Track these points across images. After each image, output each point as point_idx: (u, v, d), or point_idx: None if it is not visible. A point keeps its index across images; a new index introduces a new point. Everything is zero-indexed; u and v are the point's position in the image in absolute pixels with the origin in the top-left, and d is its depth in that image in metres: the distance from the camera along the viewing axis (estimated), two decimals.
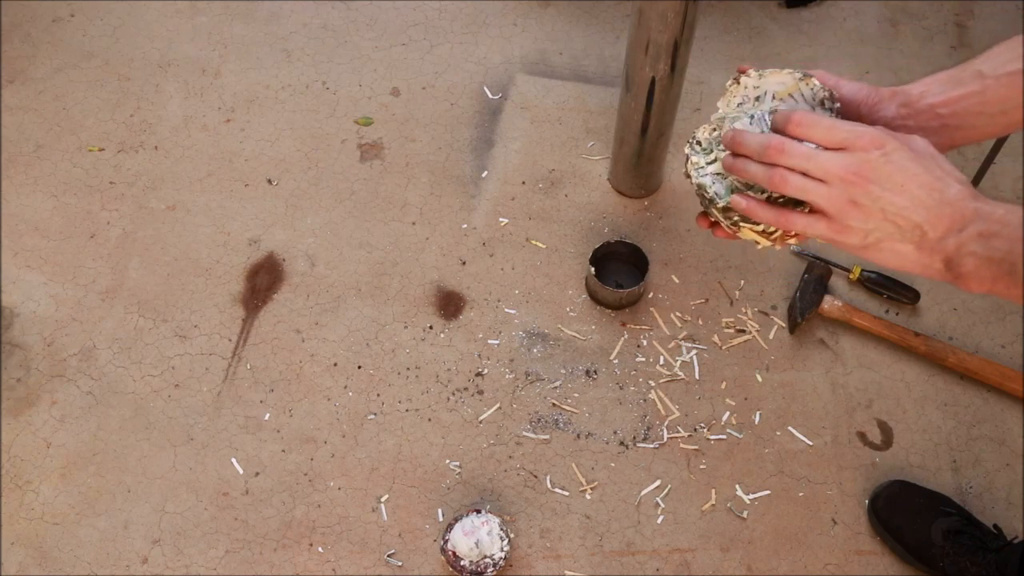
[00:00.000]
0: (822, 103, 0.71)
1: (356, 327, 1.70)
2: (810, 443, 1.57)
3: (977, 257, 0.59)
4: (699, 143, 0.75)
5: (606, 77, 2.06)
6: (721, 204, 0.72)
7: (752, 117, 0.72)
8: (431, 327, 1.70)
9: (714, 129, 0.74)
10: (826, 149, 0.63)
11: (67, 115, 1.98)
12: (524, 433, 1.58)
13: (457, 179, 1.89)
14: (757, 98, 0.73)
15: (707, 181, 0.73)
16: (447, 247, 1.79)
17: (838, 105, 0.71)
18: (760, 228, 0.71)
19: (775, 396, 1.62)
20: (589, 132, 1.96)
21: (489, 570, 1.40)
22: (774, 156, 0.64)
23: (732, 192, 0.71)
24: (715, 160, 0.73)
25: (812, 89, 0.71)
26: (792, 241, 0.72)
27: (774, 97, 0.72)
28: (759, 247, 0.74)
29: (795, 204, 0.67)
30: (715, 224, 0.74)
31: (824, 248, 1.76)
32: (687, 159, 0.75)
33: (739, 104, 0.74)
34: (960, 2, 2.21)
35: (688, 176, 0.75)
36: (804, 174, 0.63)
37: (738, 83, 0.74)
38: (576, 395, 1.62)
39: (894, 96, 0.71)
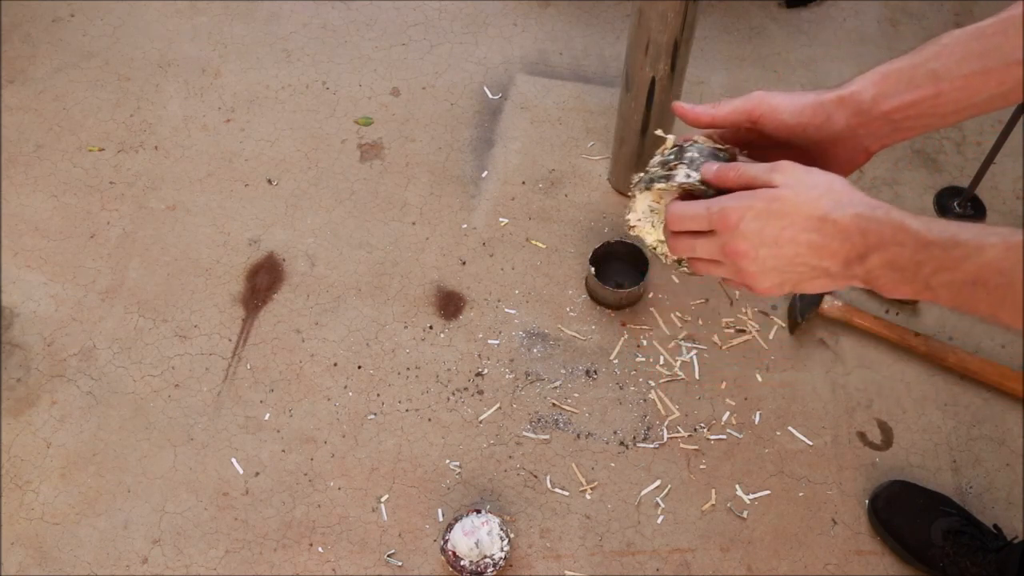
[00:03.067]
0: (715, 154, 0.69)
1: (356, 327, 1.70)
2: (810, 443, 1.57)
3: (888, 278, 0.59)
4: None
5: (606, 77, 2.06)
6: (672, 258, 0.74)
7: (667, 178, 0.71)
8: (431, 327, 1.70)
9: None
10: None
11: (67, 115, 1.98)
12: (524, 433, 1.58)
13: (457, 179, 1.89)
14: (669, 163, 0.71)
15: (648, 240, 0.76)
16: (447, 247, 1.79)
17: (730, 152, 0.69)
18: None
19: (775, 396, 1.62)
20: (589, 132, 1.96)
21: (489, 570, 1.40)
22: (671, 248, 0.69)
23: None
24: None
25: (700, 148, 0.69)
26: None
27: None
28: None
29: None
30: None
31: None
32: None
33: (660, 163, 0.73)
34: (960, 2, 2.21)
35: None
36: None
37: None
38: (576, 395, 1.62)
39: (841, 105, 0.67)
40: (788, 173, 0.62)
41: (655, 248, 0.76)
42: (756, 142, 0.72)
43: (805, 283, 0.64)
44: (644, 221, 0.75)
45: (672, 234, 0.68)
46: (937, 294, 0.57)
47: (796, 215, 0.60)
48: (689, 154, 0.69)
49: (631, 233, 0.76)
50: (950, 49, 0.65)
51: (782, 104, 0.68)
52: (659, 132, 0.76)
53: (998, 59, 0.63)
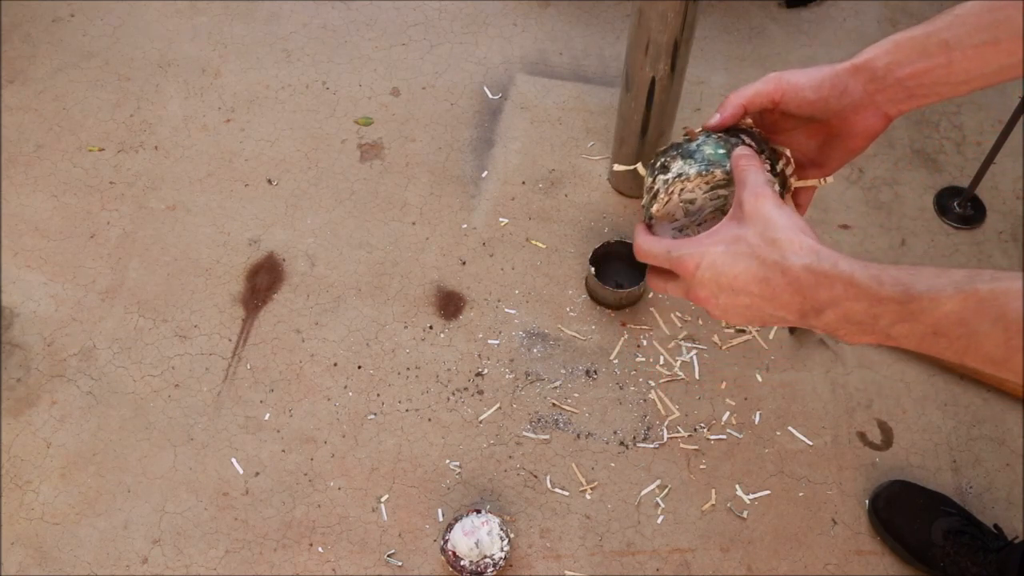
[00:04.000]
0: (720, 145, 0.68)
1: (356, 327, 1.70)
2: (810, 443, 1.57)
3: (847, 330, 0.59)
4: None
5: (606, 77, 2.06)
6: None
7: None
8: (431, 327, 1.70)
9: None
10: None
11: (67, 115, 1.98)
12: (524, 433, 1.58)
13: (457, 179, 1.89)
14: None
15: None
16: (447, 247, 1.79)
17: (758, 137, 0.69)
18: None
19: (775, 396, 1.62)
20: (589, 132, 1.96)
21: (489, 570, 1.40)
22: (648, 280, 0.70)
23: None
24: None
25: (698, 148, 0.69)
26: None
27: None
28: None
29: None
30: None
31: None
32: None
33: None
34: (960, 2, 2.21)
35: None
36: None
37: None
38: (576, 395, 1.62)
39: (856, 73, 0.68)
40: (757, 211, 0.61)
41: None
42: (778, 123, 0.72)
43: (769, 322, 0.64)
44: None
45: (649, 268, 0.68)
46: (900, 343, 0.57)
47: (750, 262, 0.60)
48: (678, 164, 0.68)
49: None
50: (962, 19, 0.65)
51: (801, 81, 0.68)
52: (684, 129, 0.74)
53: (1009, 31, 0.63)
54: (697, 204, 0.70)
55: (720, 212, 0.70)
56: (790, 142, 0.73)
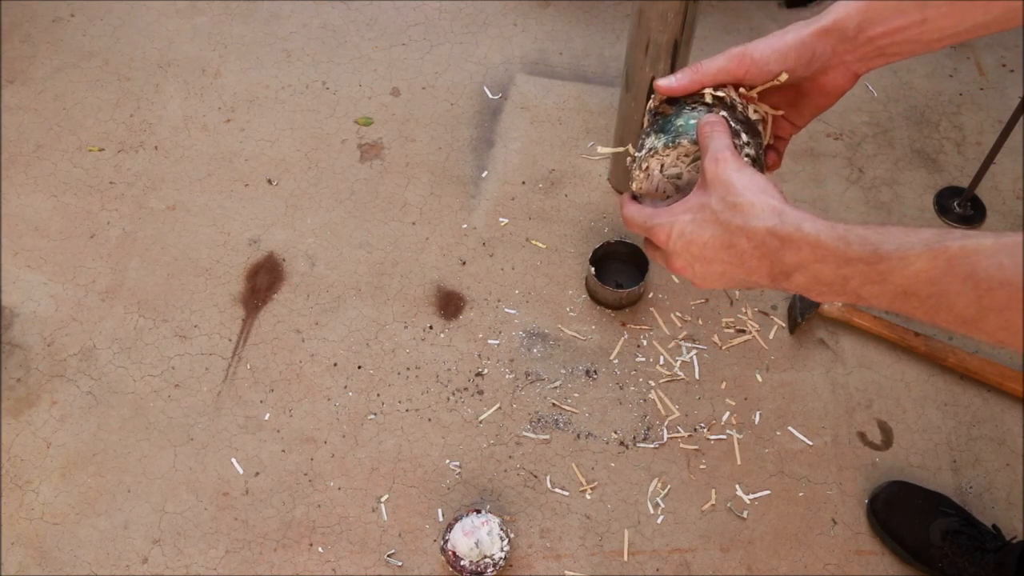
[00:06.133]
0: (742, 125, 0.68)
1: (356, 327, 1.70)
2: (810, 443, 1.57)
3: (818, 291, 0.58)
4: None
5: (606, 77, 2.06)
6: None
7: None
8: (431, 327, 1.70)
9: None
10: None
11: (67, 115, 1.98)
12: (524, 433, 1.58)
13: (457, 179, 1.89)
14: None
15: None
16: (447, 247, 1.79)
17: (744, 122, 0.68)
18: None
19: (775, 396, 1.62)
20: (589, 132, 1.96)
21: (489, 570, 1.41)
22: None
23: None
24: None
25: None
26: None
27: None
28: None
29: None
30: None
31: None
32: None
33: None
34: None
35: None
36: None
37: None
38: (576, 395, 1.62)
39: (825, 36, 0.66)
40: (717, 176, 0.61)
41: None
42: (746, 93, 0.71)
43: (745, 287, 0.64)
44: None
45: (645, 238, 0.69)
46: (872, 303, 0.56)
47: (715, 228, 0.60)
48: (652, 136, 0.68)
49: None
50: None
51: (765, 55, 0.67)
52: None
53: None
54: (684, 179, 0.70)
55: None
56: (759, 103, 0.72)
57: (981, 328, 0.51)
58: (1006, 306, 0.49)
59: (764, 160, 0.69)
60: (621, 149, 0.71)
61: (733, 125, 0.66)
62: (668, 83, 0.68)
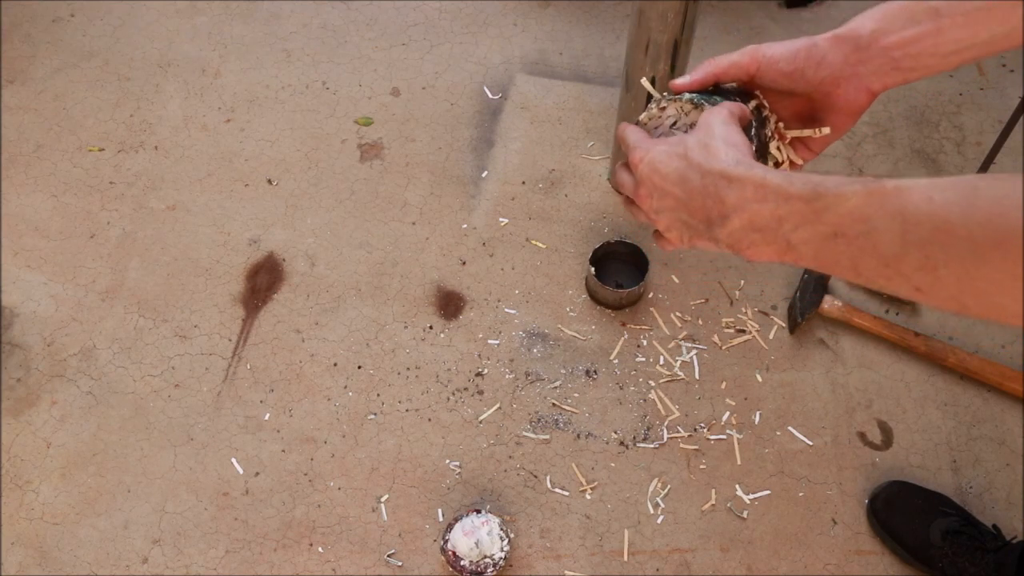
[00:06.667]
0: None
1: (356, 327, 1.70)
2: (810, 443, 1.57)
3: (749, 240, 0.58)
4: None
5: (606, 77, 2.06)
6: None
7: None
8: (431, 327, 1.70)
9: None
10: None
11: (67, 115, 1.98)
12: (524, 433, 1.58)
13: (457, 179, 1.89)
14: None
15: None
16: (447, 247, 1.79)
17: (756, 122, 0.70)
18: None
19: (775, 396, 1.62)
20: (589, 132, 1.96)
21: (489, 570, 1.41)
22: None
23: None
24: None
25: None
26: None
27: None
28: None
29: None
30: None
31: None
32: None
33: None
34: None
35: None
36: None
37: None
38: (576, 395, 1.62)
39: (838, 43, 0.66)
40: (705, 120, 0.63)
41: None
42: (781, 130, 0.72)
43: (694, 240, 0.64)
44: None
45: (620, 162, 0.71)
46: (800, 252, 0.56)
47: (680, 162, 0.62)
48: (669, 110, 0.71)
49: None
50: None
51: (777, 53, 0.68)
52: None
53: None
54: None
55: None
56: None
57: (901, 270, 0.51)
58: (928, 240, 0.49)
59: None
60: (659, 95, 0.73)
61: (752, 131, 0.67)
62: (684, 81, 0.70)
